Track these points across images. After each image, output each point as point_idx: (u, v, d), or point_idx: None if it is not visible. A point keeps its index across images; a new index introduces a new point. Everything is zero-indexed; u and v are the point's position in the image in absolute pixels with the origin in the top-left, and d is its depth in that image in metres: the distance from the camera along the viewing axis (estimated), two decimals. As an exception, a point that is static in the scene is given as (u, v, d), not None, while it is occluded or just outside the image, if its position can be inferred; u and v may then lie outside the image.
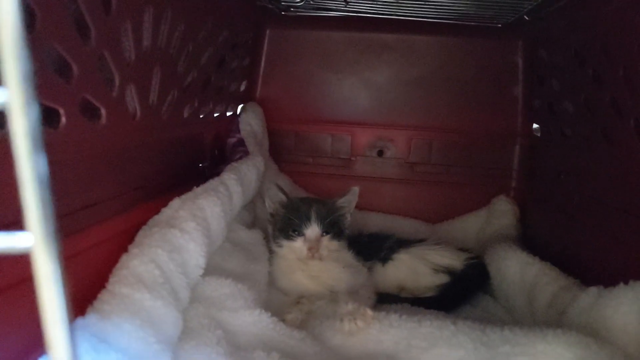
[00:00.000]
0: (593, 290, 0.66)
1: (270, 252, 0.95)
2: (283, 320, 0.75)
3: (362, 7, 1.13)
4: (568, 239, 0.97)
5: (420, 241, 1.04)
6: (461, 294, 0.95)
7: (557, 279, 0.80)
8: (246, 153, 1.10)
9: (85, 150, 0.58)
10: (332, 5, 1.14)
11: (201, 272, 0.71)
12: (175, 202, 0.76)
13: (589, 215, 0.89)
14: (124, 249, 0.64)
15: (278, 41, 1.33)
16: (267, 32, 1.32)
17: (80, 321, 0.49)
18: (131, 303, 0.54)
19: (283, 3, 1.15)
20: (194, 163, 1.02)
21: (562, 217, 1.01)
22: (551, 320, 0.74)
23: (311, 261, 0.90)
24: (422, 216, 1.31)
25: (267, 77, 1.34)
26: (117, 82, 0.62)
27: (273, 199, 0.97)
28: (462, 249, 1.05)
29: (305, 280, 0.90)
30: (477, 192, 1.29)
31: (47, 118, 0.50)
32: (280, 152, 1.35)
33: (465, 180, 1.31)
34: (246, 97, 1.29)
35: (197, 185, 0.83)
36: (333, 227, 0.93)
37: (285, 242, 0.92)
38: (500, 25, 1.17)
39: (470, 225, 1.27)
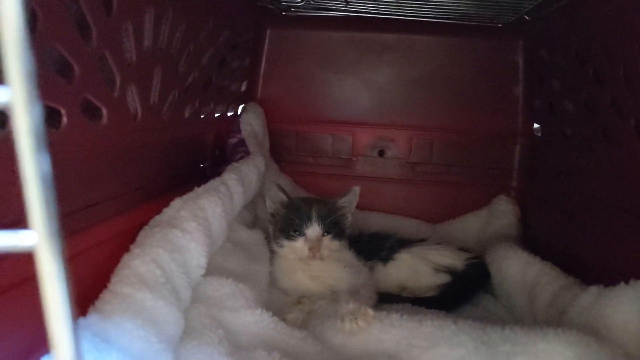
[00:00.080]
0: (593, 289, 0.66)
1: (271, 252, 0.96)
2: (284, 320, 0.75)
3: (363, 7, 1.13)
4: (568, 238, 0.97)
5: (421, 241, 1.04)
6: (462, 294, 0.95)
7: (558, 279, 0.80)
8: (247, 153, 1.10)
9: (86, 150, 0.58)
10: (332, 5, 1.14)
11: (202, 272, 0.71)
12: (177, 202, 0.76)
13: (590, 215, 0.89)
14: (125, 249, 0.64)
15: (279, 41, 1.33)
16: (268, 32, 1.32)
17: (82, 321, 0.49)
18: (133, 303, 0.54)
19: (283, 3, 1.15)
20: (195, 163, 1.02)
21: (563, 216, 1.01)
22: (552, 319, 0.74)
23: (312, 261, 0.90)
24: (423, 216, 1.31)
25: (268, 77, 1.34)
26: (118, 82, 0.62)
27: (274, 199, 0.97)
28: (463, 249, 1.05)
29: (306, 280, 0.90)
30: (478, 192, 1.29)
31: (49, 118, 0.51)
32: (281, 152, 1.35)
33: (466, 180, 1.31)
34: (247, 97, 1.29)
35: (198, 186, 0.83)
36: (334, 227, 0.93)
37: (286, 242, 0.92)
38: (500, 25, 1.17)
39: (471, 225, 1.27)
